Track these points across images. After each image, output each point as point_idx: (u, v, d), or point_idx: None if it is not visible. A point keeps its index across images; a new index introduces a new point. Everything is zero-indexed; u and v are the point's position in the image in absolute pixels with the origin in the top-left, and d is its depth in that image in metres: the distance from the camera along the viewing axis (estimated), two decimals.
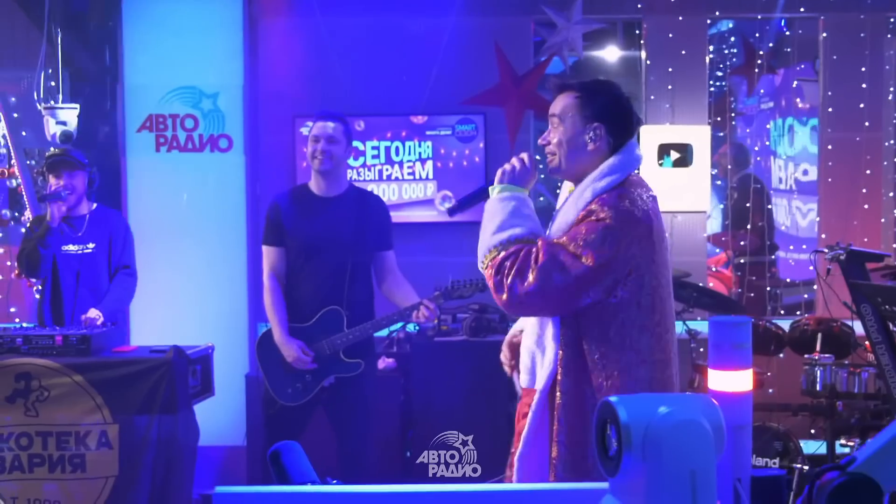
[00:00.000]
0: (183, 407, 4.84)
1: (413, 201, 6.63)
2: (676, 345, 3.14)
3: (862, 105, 6.73)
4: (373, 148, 6.66)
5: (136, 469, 4.76)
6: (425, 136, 6.62)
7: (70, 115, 6.17)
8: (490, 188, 3.19)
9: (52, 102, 6.39)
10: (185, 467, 4.88)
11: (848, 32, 6.76)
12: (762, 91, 8.65)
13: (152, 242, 6.45)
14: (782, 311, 7.27)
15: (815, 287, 6.83)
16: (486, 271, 3.10)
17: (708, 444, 1.54)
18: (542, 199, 8.07)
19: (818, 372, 4.98)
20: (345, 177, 5.13)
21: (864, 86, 6.72)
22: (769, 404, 5.84)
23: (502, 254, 3.05)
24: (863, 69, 6.72)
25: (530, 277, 2.96)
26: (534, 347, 3.15)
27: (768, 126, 8.87)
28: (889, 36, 6.91)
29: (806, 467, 5.04)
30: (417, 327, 6.19)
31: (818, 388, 5.01)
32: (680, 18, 6.76)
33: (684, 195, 6.56)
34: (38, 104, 6.42)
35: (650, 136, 6.57)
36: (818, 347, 5.11)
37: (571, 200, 3.08)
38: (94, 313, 5.24)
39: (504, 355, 3.42)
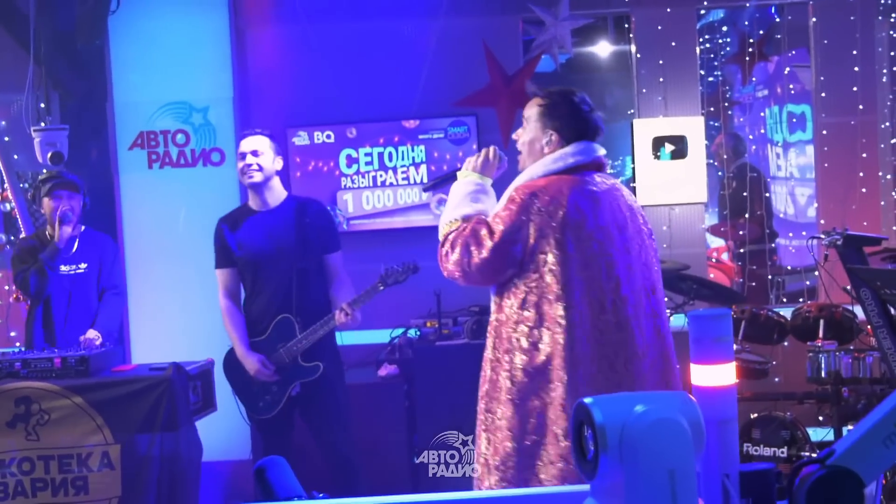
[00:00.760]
0: (184, 423, 4.82)
1: (408, 206, 6.60)
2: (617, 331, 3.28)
3: (855, 88, 6.68)
4: (366, 154, 6.62)
5: (139, 489, 4.74)
6: (418, 140, 6.59)
7: (60, 136, 6.14)
8: (458, 173, 3.58)
9: (42, 124, 6.37)
10: (190, 484, 4.86)
11: (838, 16, 6.72)
12: (754, 79, 8.61)
13: (148, 259, 6.44)
14: (785, 299, 7.22)
15: (816, 273, 6.80)
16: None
17: (686, 443, 1.50)
18: None
19: (822, 359, 4.94)
20: (280, 188, 5.25)
21: (856, 69, 6.68)
22: (775, 393, 5.80)
23: (452, 231, 3.41)
24: (854, 52, 6.68)
25: (458, 250, 3.35)
26: None
27: (763, 114, 8.83)
28: (879, 18, 6.87)
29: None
30: (419, 333, 6.17)
31: (823, 375, 4.96)
32: (668, 10, 6.72)
33: (681, 187, 6.53)
34: (28, 127, 6.40)
35: (644, 130, 6.54)
36: (821, 334, 5.07)
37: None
38: (92, 334, 5.22)
39: None
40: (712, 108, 6.98)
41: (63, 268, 5.38)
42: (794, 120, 8.29)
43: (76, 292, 5.39)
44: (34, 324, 5.47)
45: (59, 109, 6.70)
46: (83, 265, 5.41)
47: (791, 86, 7.69)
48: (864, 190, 6.67)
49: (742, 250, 7.16)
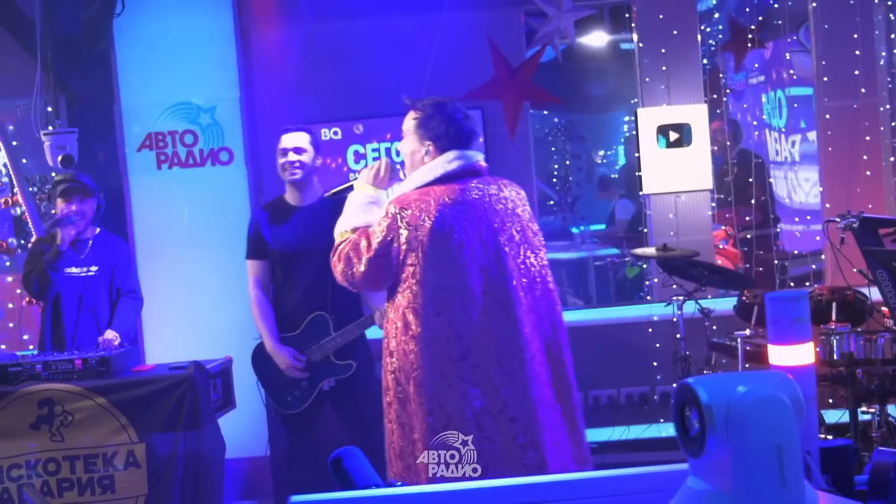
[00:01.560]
0: (207, 421, 4.87)
1: None
2: (480, 326, 3.53)
3: (857, 72, 6.75)
4: (373, 150, 6.68)
5: (165, 487, 4.79)
6: None
7: (69, 139, 6.18)
8: (354, 184, 3.83)
9: (51, 128, 6.41)
10: (214, 482, 4.92)
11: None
12: (756, 65, 8.67)
13: (159, 260, 6.48)
14: (792, 284, 7.28)
15: (822, 257, 6.87)
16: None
17: (790, 418, 1.55)
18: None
19: (835, 341, 4.99)
20: (318, 185, 5.28)
21: (857, 52, 6.74)
22: None
23: (342, 242, 3.67)
24: (855, 36, 6.74)
25: (342, 262, 3.64)
26: None
27: (762, 100, 8.89)
28: (877, 0, 6.93)
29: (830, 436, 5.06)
30: None
31: (836, 357, 5.02)
32: None
33: (686, 174, 6.58)
34: (36, 131, 6.43)
35: (648, 119, 6.58)
36: (833, 317, 5.13)
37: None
38: (110, 335, 5.27)
39: None
40: (714, 96, 7.03)
41: (74, 270, 5.42)
42: (796, 105, 8.36)
43: (87, 295, 5.43)
44: (45, 326, 5.52)
45: (66, 113, 6.73)
46: (94, 268, 5.45)
47: (791, 71, 7.76)
48: (868, 173, 6.74)
49: (749, 236, 7.21)
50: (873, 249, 4.07)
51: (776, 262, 7.01)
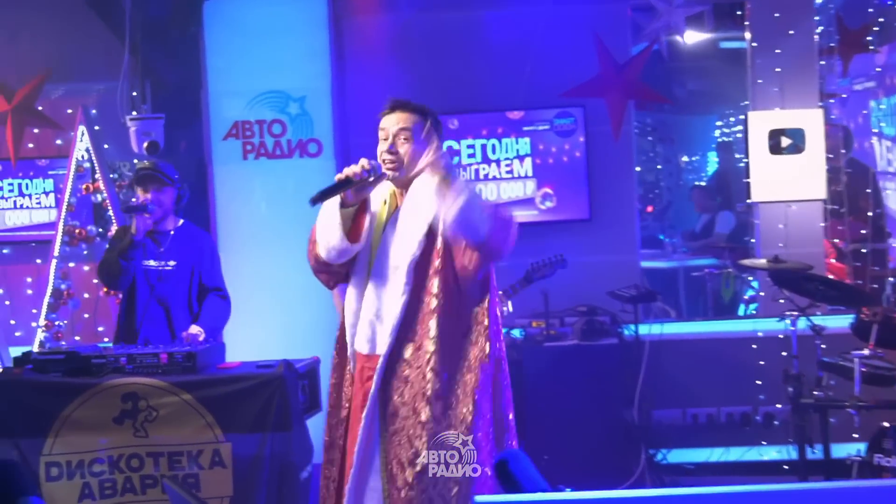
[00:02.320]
0: (296, 424, 4.85)
1: (513, 200, 6.63)
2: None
3: None
4: (468, 147, 6.68)
5: (250, 489, 4.77)
6: (522, 132, 6.63)
7: (156, 125, 6.25)
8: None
9: (136, 113, 6.49)
10: (300, 487, 4.88)
11: None
12: (858, 71, 8.51)
13: (242, 253, 6.51)
14: None
15: None
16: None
17: None
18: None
19: None
20: None
21: None
22: None
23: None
24: None
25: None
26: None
27: (868, 107, 8.73)
28: None
29: None
30: (524, 333, 6.20)
31: None
32: None
33: (798, 183, 6.48)
34: (121, 116, 6.51)
35: (759, 122, 6.50)
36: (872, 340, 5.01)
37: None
38: (195, 329, 5.29)
39: None
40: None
41: (151, 263, 5.42)
42: None
43: (160, 289, 5.41)
44: (120, 318, 5.56)
45: (151, 98, 6.80)
46: (171, 263, 5.43)
47: None
48: None
49: (864, 250, 7.07)
50: None
51: (891, 279, 6.88)
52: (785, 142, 6.47)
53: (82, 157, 6.82)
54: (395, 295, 3.75)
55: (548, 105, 6.60)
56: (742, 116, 6.74)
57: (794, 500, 1.69)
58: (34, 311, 7.09)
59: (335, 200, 3.73)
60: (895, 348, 5.57)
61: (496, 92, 6.67)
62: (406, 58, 6.70)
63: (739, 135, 8.15)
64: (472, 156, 6.65)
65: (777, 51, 6.69)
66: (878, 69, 8.27)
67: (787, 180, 6.44)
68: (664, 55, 6.89)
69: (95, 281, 6.97)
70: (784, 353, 5.91)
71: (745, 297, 7.81)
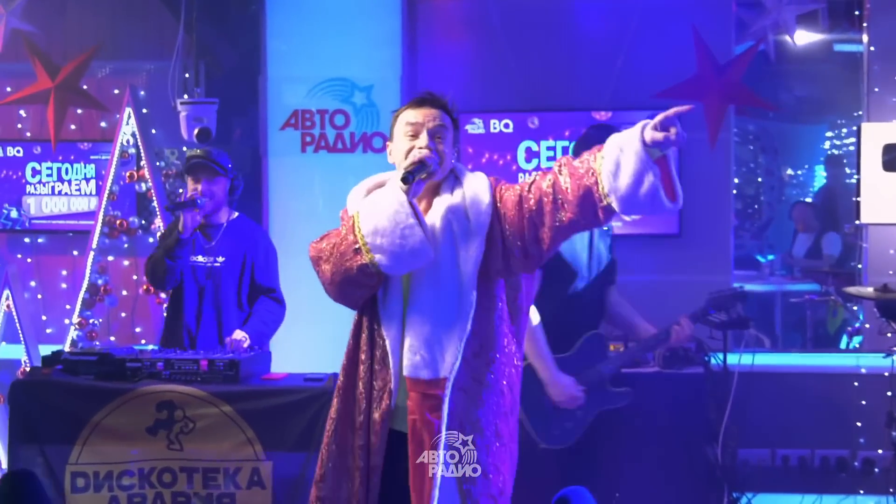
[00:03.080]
0: None
1: None
2: None
3: None
4: (548, 148, 6.50)
5: None
6: None
7: (209, 111, 6.15)
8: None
9: (187, 97, 6.37)
10: None
11: None
12: None
13: (296, 254, 6.30)
14: None
15: None
16: None
17: None
18: None
19: None
20: None
21: None
22: None
23: None
24: None
25: None
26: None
27: None
28: None
29: None
30: None
31: None
32: None
33: None
34: (172, 99, 6.40)
35: (874, 135, 6.22)
36: None
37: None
38: (239, 335, 5.11)
39: None
40: None
41: (200, 259, 5.26)
42: None
43: (210, 288, 5.26)
44: (167, 320, 5.41)
45: (205, 81, 6.71)
46: (220, 259, 5.27)
47: None
48: None
49: None
50: None
51: None
52: None
53: (127, 141, 6.70)
54: (459, 305, 3.43)
55: (639, 106, 6.35)
56: (855, 128, 6.46)
57: None
58: (67, 306, 6.97)
59: (399, 191, 3.43)
60: None
61: (582, 88, 6.51)
62: (484, 47, 6.59)
63: (851, 148, 7.91)
64: (551, 158, 6.43)
65: None
66: None
67: None
68: (771, 56, 6.64)
69: (135, 277, 6.85)
70: (889, 394, 5.77)
71: (849, 328, 7.56)
